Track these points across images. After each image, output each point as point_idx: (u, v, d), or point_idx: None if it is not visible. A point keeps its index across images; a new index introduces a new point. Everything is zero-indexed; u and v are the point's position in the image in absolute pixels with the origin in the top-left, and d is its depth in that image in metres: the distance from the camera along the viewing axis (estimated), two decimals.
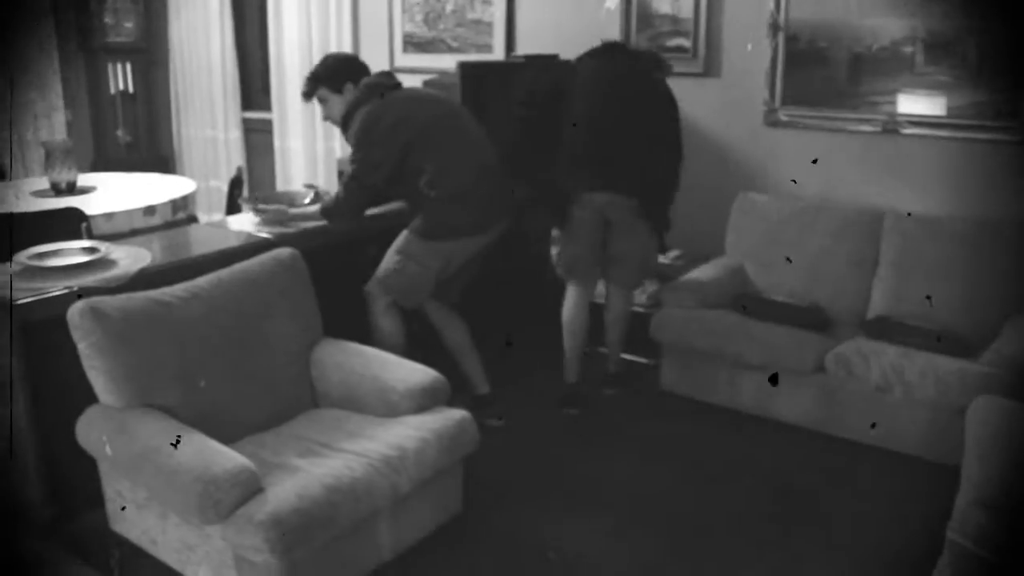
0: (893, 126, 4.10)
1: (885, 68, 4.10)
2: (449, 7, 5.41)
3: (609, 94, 3.75)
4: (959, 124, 3.96)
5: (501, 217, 3.74)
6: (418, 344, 3.62)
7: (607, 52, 3.88)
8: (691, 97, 4.61)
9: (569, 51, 4.79)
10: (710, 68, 4.57)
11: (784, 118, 4.40)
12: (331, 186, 5.58)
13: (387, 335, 3.60)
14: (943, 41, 3.94)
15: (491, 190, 3.67)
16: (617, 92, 3.76)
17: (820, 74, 4.27)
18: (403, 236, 3.62)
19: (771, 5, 4.33)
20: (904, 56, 4.02)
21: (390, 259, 3.62)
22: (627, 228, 3.86)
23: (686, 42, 4.60)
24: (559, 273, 4.03)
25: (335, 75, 3.70)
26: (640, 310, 4.43)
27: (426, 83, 4.78)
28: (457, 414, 2.92)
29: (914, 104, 4.06)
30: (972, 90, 3.91)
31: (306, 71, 5.95)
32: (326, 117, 3.81)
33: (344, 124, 3.69)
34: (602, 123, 3.72)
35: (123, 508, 2.71)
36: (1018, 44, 3.76)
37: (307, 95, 3.77)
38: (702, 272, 4.24)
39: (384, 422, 2.85)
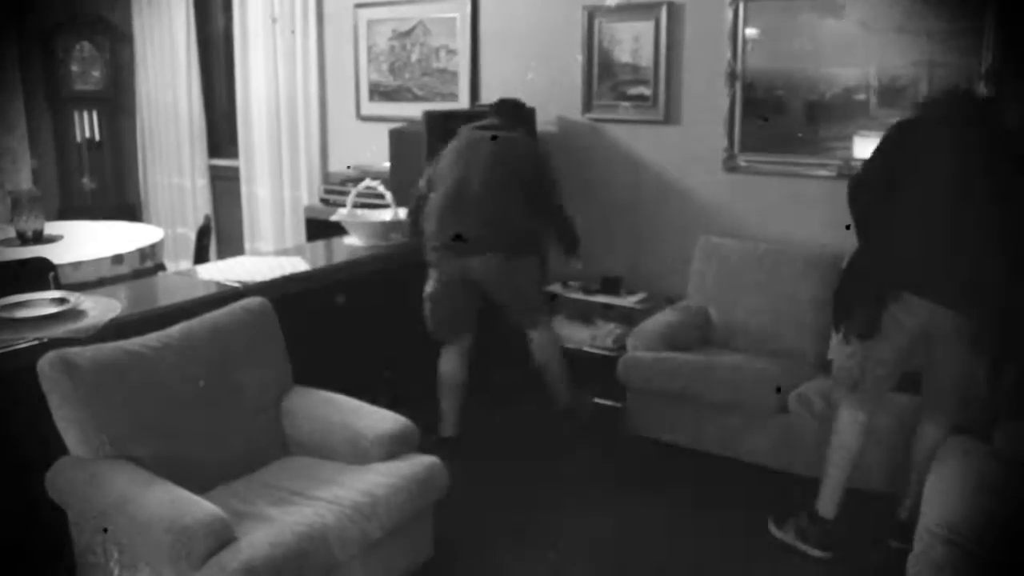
0: (849, 170, 4.20)
1: (840, 114, 4.23)
2: (414, 57, 5.50)
3: None
4: None
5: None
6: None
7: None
8: (652, 144, 4.73)
9: (532, 100, 4.89)
10: (670, 116, 4.67)
11: (743, 163, 4.51)
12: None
13: None
14: (896, 86, 4.08)
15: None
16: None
17: (777, 121, 4.40)
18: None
19: (728, 55, 4.45)
20: (858, 102, 4.16)
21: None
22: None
23: (647, 90, 4.71)
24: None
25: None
26: (606, 353, 4.50)
27: (392, 132, 4.86)
28: (427, 459, 2.95)
29: (869, 148, 4.15)
30: None
31: (273, 119, 6.02)
32: None
33: None
34: None
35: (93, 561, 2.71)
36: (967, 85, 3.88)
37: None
38: (666, 315, 4.32)
39: (355, 469, 2.88)
